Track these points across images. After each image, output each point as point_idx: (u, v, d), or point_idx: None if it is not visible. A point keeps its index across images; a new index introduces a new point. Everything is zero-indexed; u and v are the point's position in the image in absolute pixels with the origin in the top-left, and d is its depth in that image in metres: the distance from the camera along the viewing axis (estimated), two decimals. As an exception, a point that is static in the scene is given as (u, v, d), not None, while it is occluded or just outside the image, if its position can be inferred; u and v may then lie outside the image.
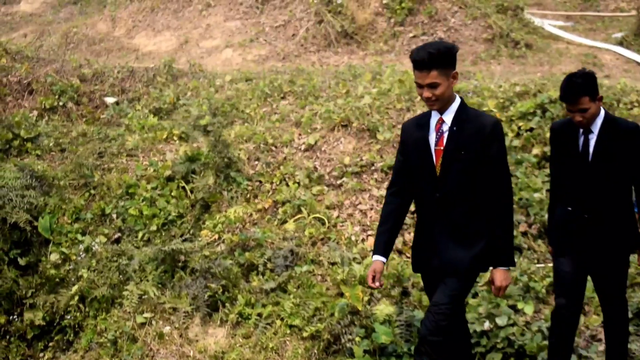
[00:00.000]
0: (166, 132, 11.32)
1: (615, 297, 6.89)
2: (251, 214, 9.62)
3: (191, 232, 9.45)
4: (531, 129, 10.48)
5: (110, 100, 12.92)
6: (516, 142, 10.30)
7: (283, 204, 9.69)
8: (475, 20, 18.23)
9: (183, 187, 9.99)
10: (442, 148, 6.11)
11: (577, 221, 6.81)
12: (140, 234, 9.47)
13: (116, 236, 9.54)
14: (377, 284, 6.31)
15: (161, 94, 12.99)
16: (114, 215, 9.77)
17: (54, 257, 9.19)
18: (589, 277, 6.93)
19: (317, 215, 9.36)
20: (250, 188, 9.99)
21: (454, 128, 6.08)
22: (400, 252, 8.96)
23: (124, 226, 9.63)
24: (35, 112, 12.27)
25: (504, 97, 11.21)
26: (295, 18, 18.35)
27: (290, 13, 18.62)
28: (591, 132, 6.72)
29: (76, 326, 8.69)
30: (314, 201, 9.56)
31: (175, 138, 11.21)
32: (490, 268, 6.18)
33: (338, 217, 9.50)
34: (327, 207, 9.58)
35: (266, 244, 8.95)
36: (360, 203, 9.65)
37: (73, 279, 8.93)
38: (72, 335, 8.69)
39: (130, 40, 20.86)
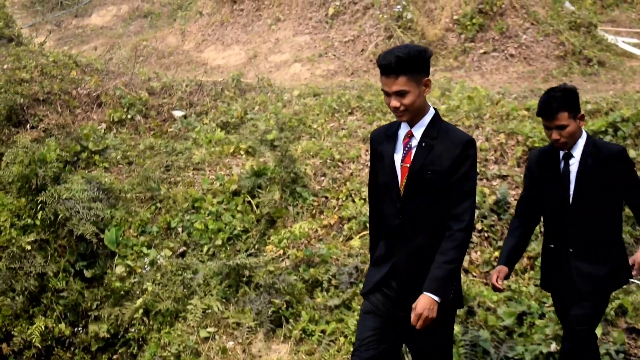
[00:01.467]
0: (233, 147, 11.31)
1: (580, 332, 6.37)
2: (316, 230, 9.57)
3: (256, 247, 9.42)
4: (602, 148, 10.30)
5: (178, 113, 12.96)
6: (588, 161, 10.11)
7: (349, 220, 9.62)
8: (547, 37, 17.99)
9: (249, 202, 9.96)
10: (408, 165, 5.52)
11: (561, 257, 6.39)
12: (205, 248, 9.46)
13: (181, 250, 9.54)
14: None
15: (229, 108, 12.99)
16: (180, 229, 9.77)
17: (119, 269, 9.22)
18: None
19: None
20: (316, 204, 9.95)
21: (423, 144, 5.49)
22: (466, 271, 8.86)
23: (189, 240, 9.63)
24: (103, 125, 12.35)
25: (575, 115, 11.01)
26: (365, 33, 18.29)
27: (359, 28, 18.58)
28: (572, 156, 6.30)
29: (140, 339, 8.71)
30: (381, 217, 9.48)
31: (242, 152, 11.20)
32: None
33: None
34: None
35: (331, 260, 8.89)
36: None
37: (138, 292, 8.95)
38: (135, 348, 8.71)
39: (199, 54, 20.96)
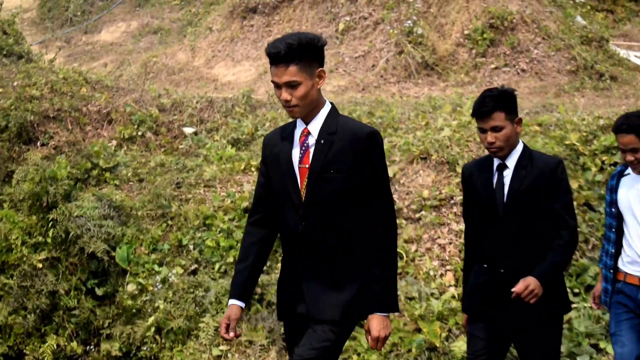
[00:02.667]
0: (244, 163, 11.30)
1: None
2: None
3: (268, 264, 9.37)
4: (615, 163, 10.22)
5: (188, 130, 12.96)
6: (599, 177, 10.04)
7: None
8: (558, 51, 17.98)
9: (260, 219, 9.94)
10: (307, 166, 5.03)
11: (494, 279, 5.83)
12: (217, 266, 9.43)
13: (193, 267, 9.51)
14: (232, 334, 5.25)
15: (239, 125, 12.99)
16: (191, 247, 9.75)
17: (131, 287, 9.20)
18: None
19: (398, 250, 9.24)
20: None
21: (321, 141, 5.00)
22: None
23: (201, 257, 9.60)
24: (114, 142, 12.35)
25: (587, 131, 10.96)
26: (375, 49, 18.30)
27: (370, 44, 18.59)
28: (506, 167, 5.84)
29: (152, 357, 8.68)
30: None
31: (252, 169, 11.18)
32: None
33: (416, 251, 9.36)
34: (405, 241, 9.46)
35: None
36: (439, 237, 9.50)
37: (150, 310, 8.92)
38: (148, 366, 8.70)
39: (210, 70, 20.99)
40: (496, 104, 5.72)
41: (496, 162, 5.90)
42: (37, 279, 9.16)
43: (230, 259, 9.42)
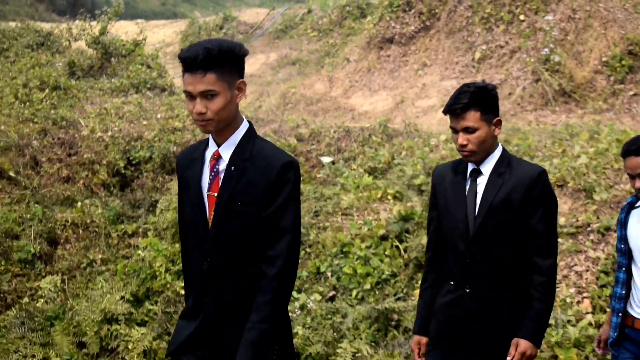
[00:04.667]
0: (381, 192, 11.40)
1: None
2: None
3: (404, 291, 9.44)
4: None
5: (326, 159, 13.13)
6: None
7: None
8: (700, 77, 17.62)
9: (397, 246, 10.02)
10: (215, 194, 4.46)
11: (459, 299, 5.22)
12: (354, 292, 9.53)
13: (331, 294, 9.64)
14: None
15: (376, 154, 13.11)
16: (329, 274, 9.88)
17: (271, 313, 9.35)
18: None
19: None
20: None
21: (232, 168, 4.43)
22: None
23: (338, 284, 9.72)
24: (253, 171, 12.57)
25: None
26: (512, 77, 18.21)
27: (506, 72, 18.52)
28: (480, 173, 5.18)
29: (291, 382, 8.81)
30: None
31: (389, 197, 11.28)
32: None
33: (555, 279, 9.32)
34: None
35: (480, 303, 8.87)
36: (575, 264, 9.42)
37: (289, 336, 9.07)
38: (287, 391, 8.83)
39: (347, 100, 21.17)
40: (471, 101, 5.05)
41: (470, 166, 5.28)
42: (180, 305, 9.38)
43: (367, 286, 9.52)
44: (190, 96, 4.33)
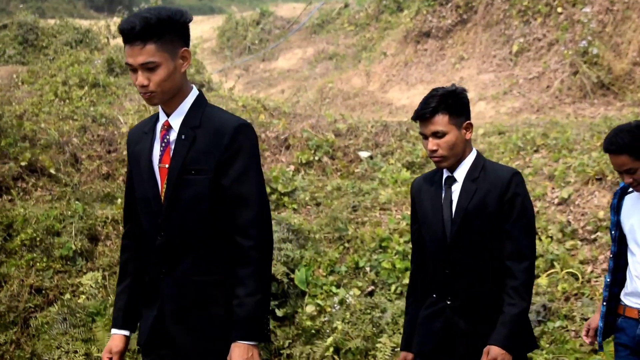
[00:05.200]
0: (419, 186, 11.40)
1: None
2: (503, 269, 9.54)
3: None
4: None
5: (364, 154, 13.13)
6: None
7: (536, 258, 9.54)
8: None
9: (435, 241, 10.02)
10: (167, 166, 4.32)
11: (440, 312, 5.09)
12: (392, 287, 9.54)
13: (369, 289, 9.66)
14: None
15: (414, 148, 13.09)
16: (368, 269, 9.90)
17: (309, 308, 9.39)
18: None
19: (571, 270, 9.18)
20: (502, 242, 9.91)
21: (182, 137, 4.29)
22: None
23: (377, 279, 9.74)
24: (292, 167, 12.63)
25: None
26: (550, 70, 18.10)
27: (544, 65, 18.41)
28: (455, 180, 5.08)
29: (331, 377, 8.85)
30: (567, 256, 9.39)
31: (427, 191, 11.27)
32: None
33: (592, 272, 9.27)
34: (581, 262, 9.37)
35: (519, 299, 8.83)
36: (616, 257, 9.39)
37: (328, 331, 9.09)
38: (327, 386, 8.86)
39: (384, 94, 21.14)
40: (439, 105, 4.96)
41: (445, 174, 5.16)
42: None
43: (406, 281, 9.52)
44: (132, 69, 4.19)
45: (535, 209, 10.31)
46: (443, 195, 5.10)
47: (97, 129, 12.86)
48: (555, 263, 9.34)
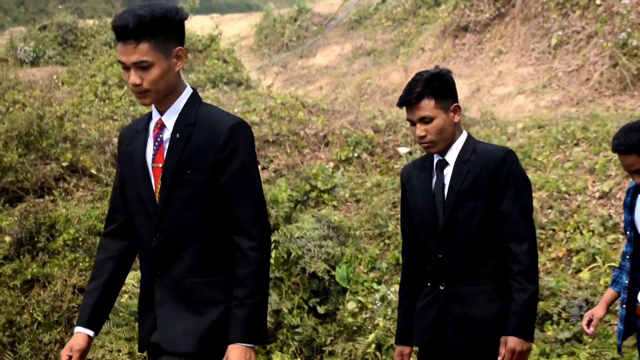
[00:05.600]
0: (458, 182, 11.38)
1: None
2: (544, 263, 9.52)
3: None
4: None
5: (403, 150, 13.12)
6: None
7: (577, 252, 9.51)
8: None
9: (475, 237, 10.00)
10: (160, 165, 4.24)
11: (435, 299, 5.01)
12: (432, 283, 9.54)
13: (410, 285, 9.66)
14: None
15: (453, 143, 13.02)
16: (408, 265, 9.89)
17: (350, 305, 9.41)
18: None
19: (613, 264, 9.13)
20: (543, 237, 9.89)
21: (177, 135, 4.21)
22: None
23: (418, 276, 9.73)
24: (331, 164, 12.64)
25: None
26: (589, 62, 17.97)
27: (583, 57, 18.28)
28: (447, 164, 4.97)
29: (373, 374, 8.87)
30: (609, 250, 9.35)
31: (466, 187, 11.25)
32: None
33: (634, 265, 9.23)
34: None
35: (560, 293, 8.81)
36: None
37: (370, 327, 9.10)
38: (370, 382, 8.88)
39: (422, 89, 21.06)
40: (424, 89, 4.84)
41: (436, 158, 5.07)
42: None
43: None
44: (125, 67, 4.10)
45: (576, 203, 10.27)
46: (435, 179, 5.02)
47: (137, 129, 12.92)
48: (597, 257, 9.30)
